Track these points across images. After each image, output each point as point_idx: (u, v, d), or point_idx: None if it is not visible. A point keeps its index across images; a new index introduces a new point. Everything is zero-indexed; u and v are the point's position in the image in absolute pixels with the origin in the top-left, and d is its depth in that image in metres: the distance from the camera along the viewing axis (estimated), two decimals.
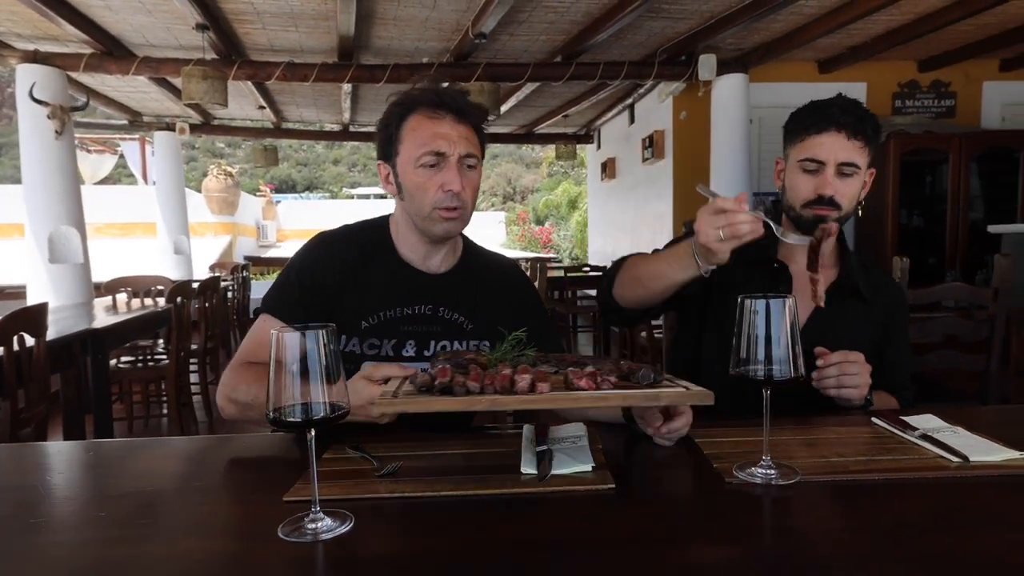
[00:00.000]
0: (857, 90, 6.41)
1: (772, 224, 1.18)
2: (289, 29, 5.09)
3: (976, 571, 0.74)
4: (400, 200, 1.37)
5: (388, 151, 1.35)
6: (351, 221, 1.47)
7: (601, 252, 9.92)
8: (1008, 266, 2.56)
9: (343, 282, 1.35)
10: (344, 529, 0.83)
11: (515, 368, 0.98)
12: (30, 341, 2.49)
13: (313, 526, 0.82)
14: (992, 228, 4.63)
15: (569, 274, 7.11)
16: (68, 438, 3.22)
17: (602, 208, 10.25)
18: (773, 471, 0.99)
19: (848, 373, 1.33)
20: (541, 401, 0.89)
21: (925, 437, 1.13)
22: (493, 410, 0.86)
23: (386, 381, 1.07)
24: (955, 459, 1.04)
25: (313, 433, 0.82)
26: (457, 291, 1.40)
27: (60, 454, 1.26)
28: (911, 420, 1.22)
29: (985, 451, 1.05)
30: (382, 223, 1.44)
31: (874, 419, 1.26)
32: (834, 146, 1.40)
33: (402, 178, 1.33)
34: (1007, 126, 6.38)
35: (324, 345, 0.80)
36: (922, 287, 2.68)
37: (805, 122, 1.45)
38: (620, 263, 1.50)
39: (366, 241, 1.40)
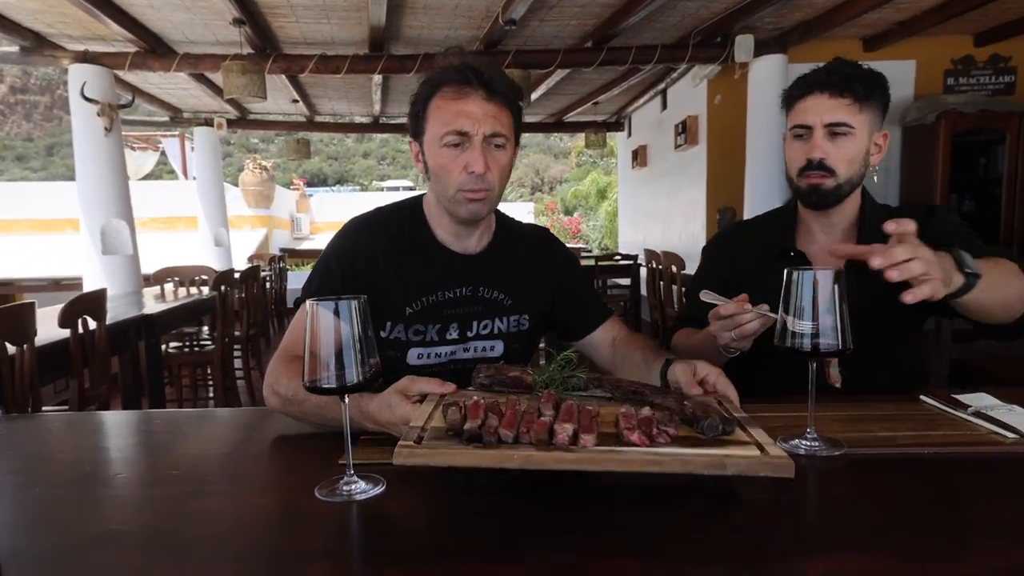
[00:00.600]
0: (905, 68, 6.14)
1: (777, 317, 1.16)
2: (321, 21, 5.13)
3: None
4: (431, 185, 1.34)
5: (417, 129, 1.31)
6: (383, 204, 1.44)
7: (632, 242, 9.82)
8: None
9: (383, 267, 1.32)
10: (377, 491, 0.85)
11: (558, 410, 0.86)
12: (92, 324, 2.66)
13: (348, 488, 0.85)
14: None
15: (600, 263, 7.05)
16: None
17: (633, 197, 10.13)
18: (817, 443, 0.96)
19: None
20: (582, 462, 0.76)
21: (978, 414, 1.09)
22: (525, 467, 0.75)
23: (422, 398, 1.00)
24: (1011, 435, 0.99)
25: (347, 399, 0.82)
26: (494, 269, 1.38)
27: (132, 423, 1.36)
28: (963, 398, 1.17)
29: None
30: (415, 204, 1.40)
31: (923, 397, 1.21)
32: (819, 107, 1.36)
33: (428, 158, 1.29)
34: None
35: (356, 314, 0.80)
36: None
37: (791, 91, 1.42)
38: (672, 333, 1.55)
39: (402, 224, 1.37)
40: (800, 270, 0.95)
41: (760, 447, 0.80)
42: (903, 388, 1.31)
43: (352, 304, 0.80)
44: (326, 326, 0.79)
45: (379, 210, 1.41)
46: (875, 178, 1.45)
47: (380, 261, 1.31)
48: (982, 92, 6.05)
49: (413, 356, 1.33)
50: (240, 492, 0.92)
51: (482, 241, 1.39)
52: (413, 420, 0.86)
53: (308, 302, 0.81)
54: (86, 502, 0.89)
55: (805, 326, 0.93)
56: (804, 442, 0.97)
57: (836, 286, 0.93)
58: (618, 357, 1.40)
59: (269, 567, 0.71)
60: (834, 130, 1.36)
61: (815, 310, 0.93)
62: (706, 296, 1.24)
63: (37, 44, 5.17)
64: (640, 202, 9.57)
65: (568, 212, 21.71)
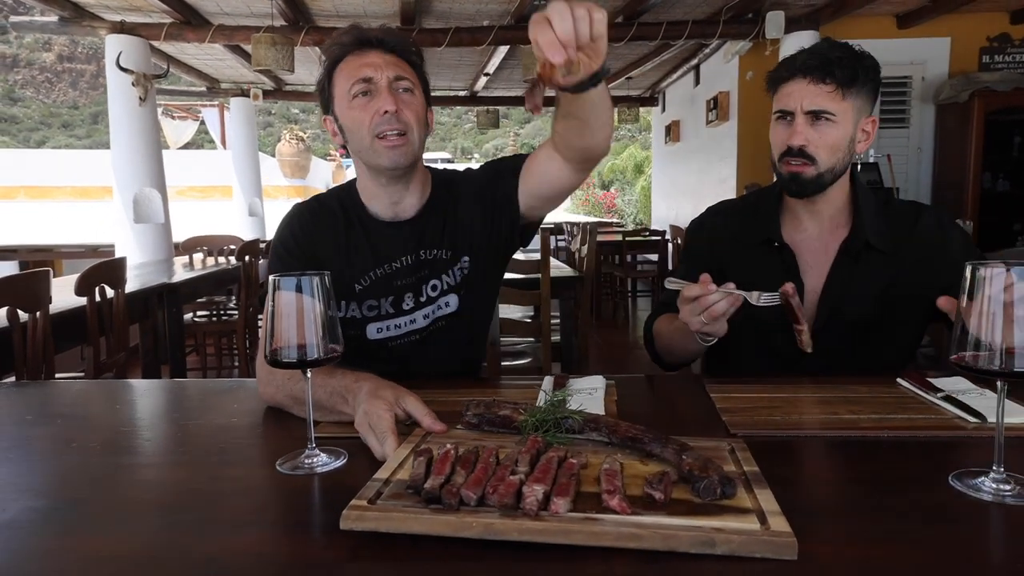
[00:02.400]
0: (940, 46, 5.99)
1: (744, 294, 1.14)
2: None
3: (951, 522, 0.71)
4: (350, 149, 1.32)
5: (326, 102, 1.32)
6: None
7: (664, 217, 9.72)
8: None
9: (330, 248, 1.34)
10: (338, 464, 0.87)
11: (533, 467, 0.77)
12: (110, 293, 2.67)
13: (309, 461, 0.86)
14: None
15: (628, 238, 7.01)
16: None
17: (666, 172, 10.01)
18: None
19: None
20: (548, 533, 0.67)
21: (948, 398, 1.08)
22: (485, 537, 0.68)
23: (408, 419, 0.95)
24: (973, 419, 0.99)
25: (309, 373, 0.85)
26: (432, 227, 1.36)
27: (116, 392, 1.39)
28: (938, 382, 1.16)
29: (1012, 413, 0.99)
30: (350, 185, 1.41)
31: (899, 380, 1.21)
32: (800, 93, 1.31)
33: (342, 121, 1.28)
34: None
35: (319, 288, 0.83)
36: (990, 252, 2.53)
37: (775, 73, 1.38)
38: (651, 322, 1.51)
39: (339, 206, 1.37)
40: (988, 265, 0.76)
41: (762, 517, 0.69)
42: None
43: (314, 280, 0.83)
44: (287, 301, 0.82)
45: (316, 197, 1.42)
46: (859, 167, 1.42)
47: (322, 244, 1.33)
48: (1018, 70, 5.92)
49: (372, 331, 1.35)
50: (204, 463, 0.94)
51: (417, 203, 1.36)
52: (380, 470, 0.80)
53: (271, 277, 0.83)
54: (56, 470, 0.92)
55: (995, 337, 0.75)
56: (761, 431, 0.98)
57: None
58: (553, 137, 1.25)
59: (221, 537, 0.72)
60: (816, 116, 1.31)
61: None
62: (671, 284, 1.23)
63: (76, 15, 5.27)
64: (673, 177, 9.46)
65: (605, 187, 21.47)
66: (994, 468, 0.79)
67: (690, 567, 0.64)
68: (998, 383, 0.78)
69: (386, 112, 1.22)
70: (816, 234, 1.43)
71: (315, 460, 0.87)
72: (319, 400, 0.98)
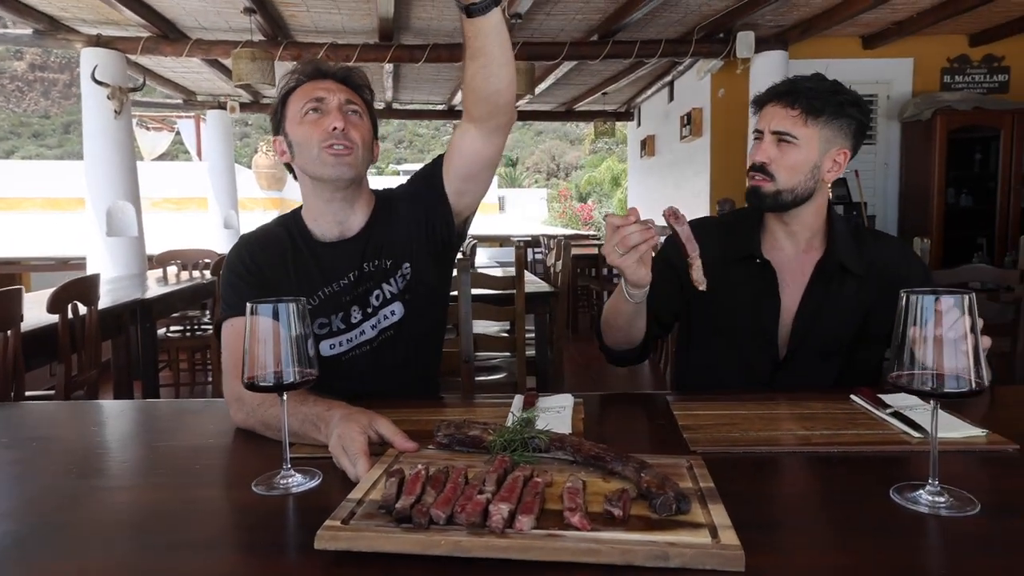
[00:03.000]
0: (903, 66, 6.19)
1: (687, 246, 1.20)
2: (332, 11, 5.18)
3: (891, 534, 0.76)
4: (296, 164, 1.37)
5: (277, 124, 1.39)
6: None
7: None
8: None
9: (279, 272, 1.37)
10: (312, 484, 0.89)
11: (499, 486, 0.80)
12: (83, 310, 2.64)
13: (284, 482, 0.89)
14: None
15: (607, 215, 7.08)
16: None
17: (642, 185, 10.14)
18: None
19: None
20: (512, 550, 0.71)
21: (895, 414, 1.14)
22: (453, 555, 0.71)
23: (381, 441, 0.98)
24: (916, 434, 1.05)
25: (285, 396, 0.88)
26: (373, 241, 1.41)
27: (92, 413, 1.39)
28: (888, 398, 1.22)
29: (949, 428, 1.06)
30: (295, 213, 1.46)
31: (852, 396, 1.27)
32: (772, 115, 1.42)
33: (291, 136, 1.35)
34: None
35: (294, 315, 0.86)
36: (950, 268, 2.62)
37: (758, 97, 1.48)
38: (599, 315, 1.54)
39: (285, 233, 1.42)
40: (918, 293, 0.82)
41: (713, 531, 0.73)
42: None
43: (291, 306, 0.86)
44: (264, 327, 0.85)
45: (261, 226, 1.47)
46: (822, 199, 1.48)
47: (270, 269, 1.37)
48: (977, 90, 6.18)
49: (325, 348, 1.38)
50: (181, 484, 0.95)
51: (362, 221, 1.42)
52: (354, 490, 0.82)
53: (248, 304, 0.86)
54: (32, 493, 0.93)
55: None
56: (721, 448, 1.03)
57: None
58: (465, 100, 1.34)
59: (196, 559, 0.74)
60: (780, 137, 1.40)
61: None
62: (608, 216, 1.23)
63: (51, 27, 5.24)
64: (649, 190, 9.58)
65: (582, 199, 21.65)
66: (930, 482, 0.84)
67: None
68: (931, 402, 0.84)
69: (335, 128, 1.29)
70: (793, 254, 1.50)
71: (290, 480, 0.89)
72: (291, 427, 1.00)
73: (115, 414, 1.37)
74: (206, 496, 0.92)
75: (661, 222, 1.25)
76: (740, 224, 1.55)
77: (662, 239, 1.23)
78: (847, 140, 1.43)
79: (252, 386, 0.87)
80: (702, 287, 1.21)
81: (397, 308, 1.41)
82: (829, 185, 1.46)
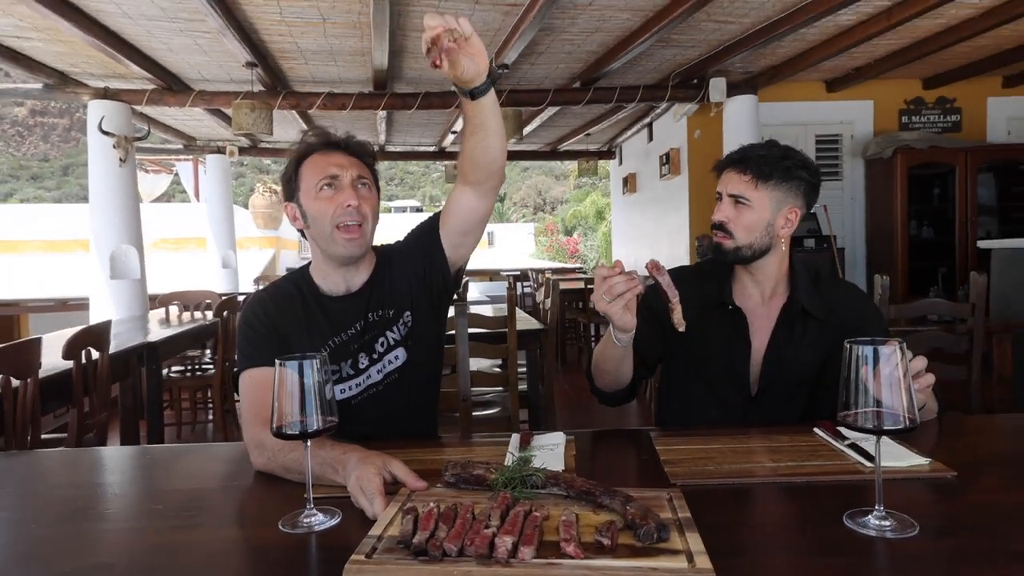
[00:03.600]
0: (865, 108, 6.42)
1: (667, 293, 1.32)
2: (329, 64, 5.32)
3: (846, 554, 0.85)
4: (309, 232, 1.47)
5: (291, 191, 1.47)
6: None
7: (625, 262, 9.92)
8: (983, 283, 2.61)
9: (291, 325, 1.45)
10: (333, 522, 0.97)
11: (503, 520, 0.89)
12: (95, 355, 2.69)
13: (308, 520, 0.96)
14: (981, 244, 4.63)
15: (589, 285, 7.20)
16: (124, 442, 3.44)
17: (625, 220, 10.30)
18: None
19: None
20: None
21: (852, 446, 1.24)
22: None
23: (394, 481, 1.05)
24: (869, 464, 1.15)
25: (309, 443, 0.97)
26: (376, 294, 1.51)
27: (122, 458, 1.46)
28: (846, 431, 1.32)
29: (897, 457, 1.16)
30: (303, 270, 1.55)
31: (815, 429, 1.36)
32: (728, 180, 1.55)
33: (305, 208, 1.44)
34: (1013, 139, 6.30)
35: (317, 371, 0.95)
36: (908, 302, 2.74)
37: (718, 164, 1.61)
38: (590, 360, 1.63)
39: (295, 289, 1.51)
40: (859, 343, 0.93)
41: (690, 556, 0.82)
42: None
43: (314, 362, 0.95)
44: (291, 381, 0.94)
45: (273, 283, 1.57)
46: (782, 251, 1.57)
47: (283, 322, 1.45)
48: (932, 129, 6.41)
49: (337, 392, 1.46)
50: (213, 525, 1.01)
51: (366, 277, 1.53)
52: (373, 527, 0.90)
53: (276, 361, 0.95)
54: (76, 536, 0.98)
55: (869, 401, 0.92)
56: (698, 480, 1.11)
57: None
58: (462, 168, 1.45)
59: None
60: (736, 200, 1.52)
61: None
62: (599, 267, 1.35)
63: (60, 81, 5.35)
64: (631, 225, 9.74)
65: (568, 232, 21.85)
66: (876, 508, 0.94)
67: None
68: (874, 438, 0.94)
69: (349, 205, 1.40)
70: (759, 300, 1.61)
71: (313, 519, 0.96)
72: (311, 470, 1.06)
73: (142, 460, 1.44)
74: (236, 536, 1.00)
75: (644, 267, 1.37)
76: (714, 273, 1.66)
77: (645, 286, 1.34)
78: (797, 199, 1.55)
79: (280, 434, 0.95)
80: (681, 328, 1.33)
81: (400, 353, 1.51)
82: (784, 241, 1.56)
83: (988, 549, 0.87)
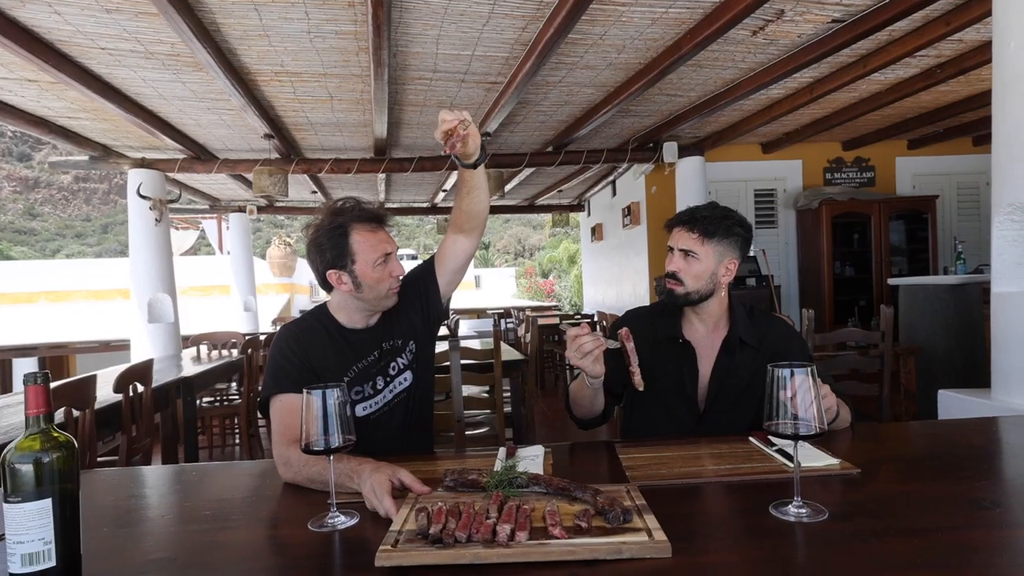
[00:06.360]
0: (795, 166, 6.66)
1: (606, 341, 1.42)
2: (336, 134, 5.46)
3: (769, 536, 0.93)
4: (356, 292, 1.52)
5: (343, 262, 1.50)
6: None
7: (594, 301, 10.09)
8: (890, 314, 2.74)
9: (319, 355, 1.50)
10: (353, 522, 1.03)
11: (500, 512, 0.97)
12: (140, 388, 2.75)
13: (332, 520, 1.02)
14: (891, 280, 4.79)
15: (565, 321, 7.28)
16: (166, 462, 3.47)
17: (594, 264, 10.44)
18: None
19: None
20: (516, 555, 0.87)
21: (779, 451, 1.32)
22: (475, 563, 0.88)
23: (401, 486, 1.11)
24: (791, 465, 1.22)
25: (332, 457, 1.03)
26: (387, 327, 1.60)
27: (171, 475, 1.49)
28: (774, 439, 1.39)
29: (814, 459, 1.24)
30: (322, 309, 1.61)
31: (750, 438, 1.44)
32: (678, 236, 1.63)
33: (362, 278, 1.50)
34: (917, 192, 6.57)
35: (338, 398, 1.02)
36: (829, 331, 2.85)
37: (669, 222, 1.70)
38: (567, 392, 1.71)
39: (319, 324, 1.57)
40: (779, 367, 1.01)
41: (649, 532, 0.92)
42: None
43: (335, 391, 1.02)
44: (317, 406, 1.01)
45: (296, 320, 1.62)
46: (723, 294, 1.65)
47: (311, 352, 1.51)
48: (851, 184, 6.65)
49: (360, 410, 1.53)
50: (251, 527, 1.06)
51: (380, 315, 1.62)
52: (393, 524, 0.97)
53: (304, 390, 1.02)
54: (140, 537, 1.05)
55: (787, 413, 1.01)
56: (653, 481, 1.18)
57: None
58: (456, 219, 1.60)
59: None
60: (685, 253, 1.61)
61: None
62: (564, 326, 1.47)
63: (104, 154, 5.44)
64: (600, 268, 9.87)
65: (545, 275, 22.03)
66: (795, 499, 1.02)
67: (609, 569, 0.86)
68: (793, 442, 1.02)
69: (399, 275, 1.55)
70: (705, 333, 1.68)
71: (336, 520, 1.02)
72: (317, 473, 1.15)
73: (183, 476, 1.45)
74: (272, 535, 1.05)
75: (615, 306, 1.48)
76: (667, 311, 1.73)
77: (609, 343, 1.43)
78: (735, 252, 1.64)
79: (308, 450, 1.02)
80: (640, 388, 1.42)
81: (408, 376, 1.61)
82: (724, 286, 1.65)
83: (881, 528, 0.95)
